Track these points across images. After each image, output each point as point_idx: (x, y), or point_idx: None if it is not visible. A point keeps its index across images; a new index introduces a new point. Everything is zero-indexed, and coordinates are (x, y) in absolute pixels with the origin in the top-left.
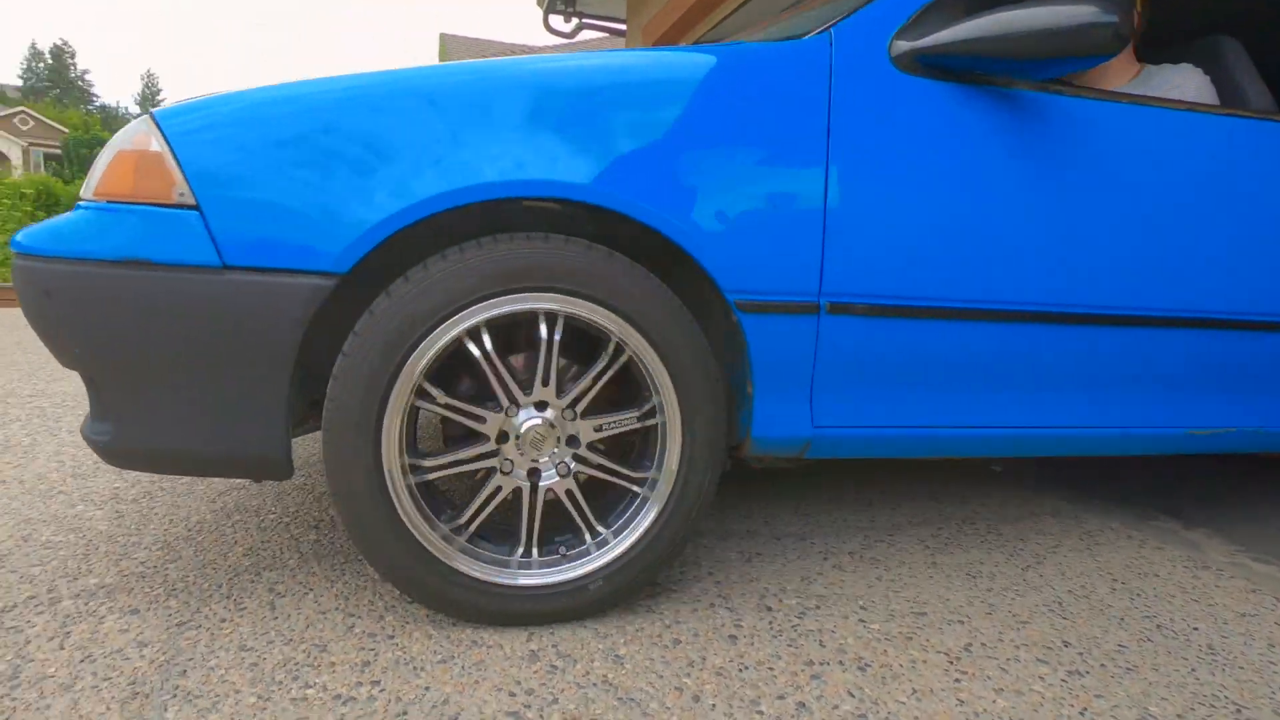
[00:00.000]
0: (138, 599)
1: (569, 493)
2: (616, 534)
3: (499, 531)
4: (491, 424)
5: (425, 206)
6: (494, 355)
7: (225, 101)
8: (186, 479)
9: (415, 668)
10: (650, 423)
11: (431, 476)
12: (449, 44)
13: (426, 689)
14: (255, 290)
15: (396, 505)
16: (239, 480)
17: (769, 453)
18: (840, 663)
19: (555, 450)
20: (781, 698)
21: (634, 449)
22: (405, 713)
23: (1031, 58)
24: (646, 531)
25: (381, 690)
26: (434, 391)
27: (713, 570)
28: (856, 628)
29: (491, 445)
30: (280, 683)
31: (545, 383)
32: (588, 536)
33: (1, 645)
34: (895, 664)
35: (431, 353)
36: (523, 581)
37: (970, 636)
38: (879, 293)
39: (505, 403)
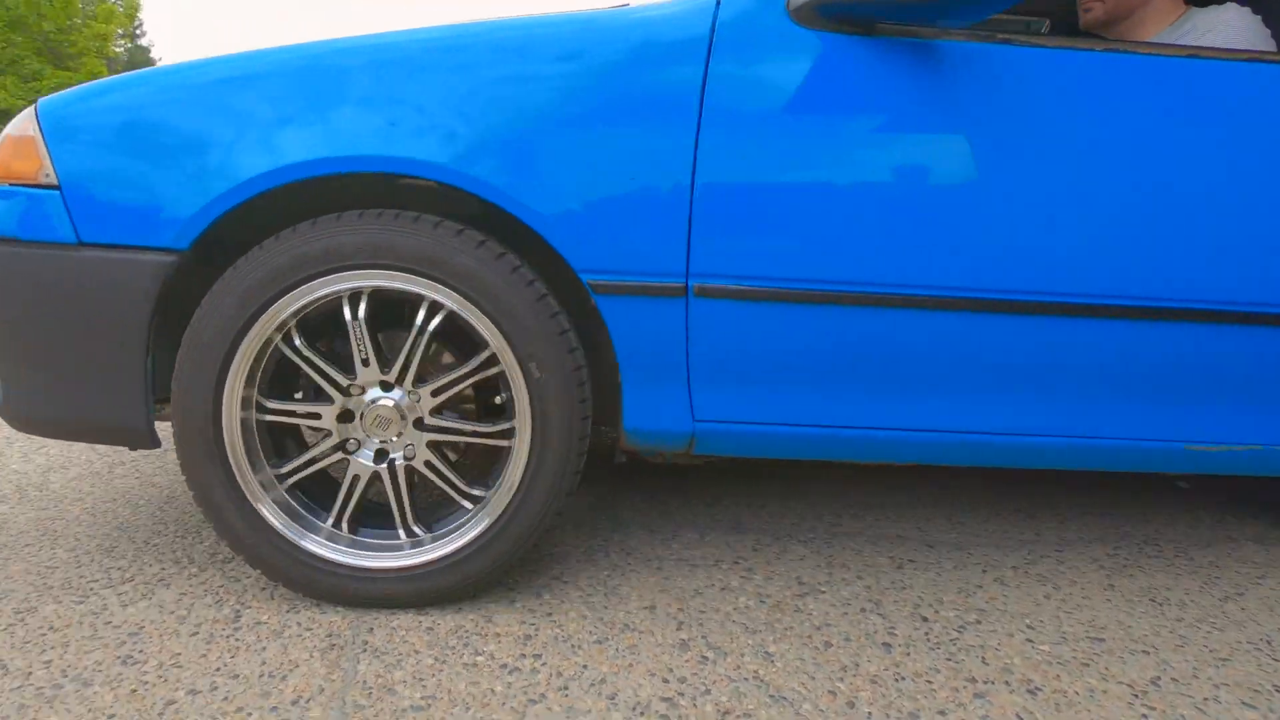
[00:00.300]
0: None
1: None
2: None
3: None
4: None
5: (249, 187)
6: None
7: (99, 87)
8: None
9: (573, 645)
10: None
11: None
12: None
13: (584, 667)
14: (106, 266)
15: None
16: None
17: (649, 446)
18: (1006, 683)
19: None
20: (943, 713)
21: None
22: (566, 688)
23: None
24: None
25: (543, 664)
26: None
27: (862, 574)
28: (1024, 647)
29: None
30: (453, 648)
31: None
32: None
33: (226, 591)
34: (1070, 691)
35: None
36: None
37: (1158, 669)
38: (758, 274)
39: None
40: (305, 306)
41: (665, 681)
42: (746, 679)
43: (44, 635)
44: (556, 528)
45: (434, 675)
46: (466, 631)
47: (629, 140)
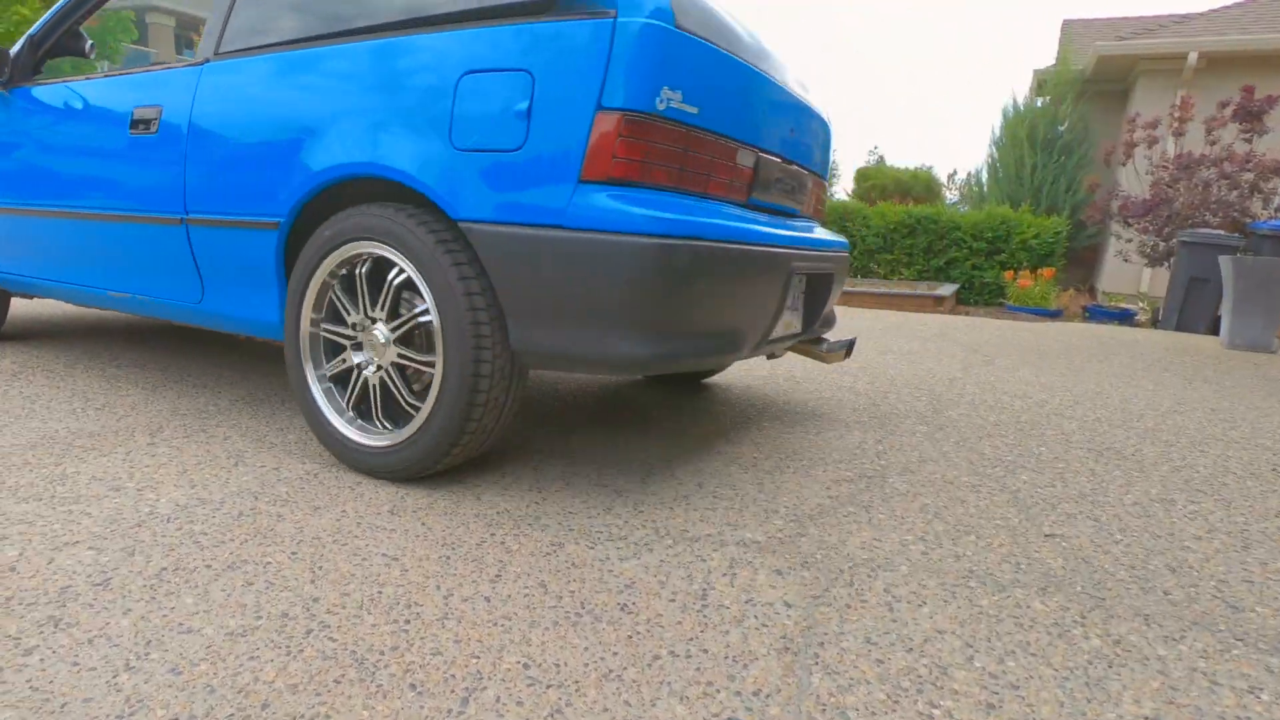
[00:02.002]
0: (780, 561)
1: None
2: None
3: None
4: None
5: None
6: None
7: None
8: (819, 462)
9: None
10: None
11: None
12: (1073, 29)
13: None
14: None
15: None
16: (857, 472)
17: None
18: None
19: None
20: None
21: None
22: None
23: None
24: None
25: None
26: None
27: None
28: None
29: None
30: (906, 690)
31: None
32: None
33: (694, 569)
34: None
35: None
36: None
37: None
38: None
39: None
40: None
41: None
42: None
43: (569, 569)
44: (1014, 584)
45: (886, 714)
46: (919, 677)
47: None
